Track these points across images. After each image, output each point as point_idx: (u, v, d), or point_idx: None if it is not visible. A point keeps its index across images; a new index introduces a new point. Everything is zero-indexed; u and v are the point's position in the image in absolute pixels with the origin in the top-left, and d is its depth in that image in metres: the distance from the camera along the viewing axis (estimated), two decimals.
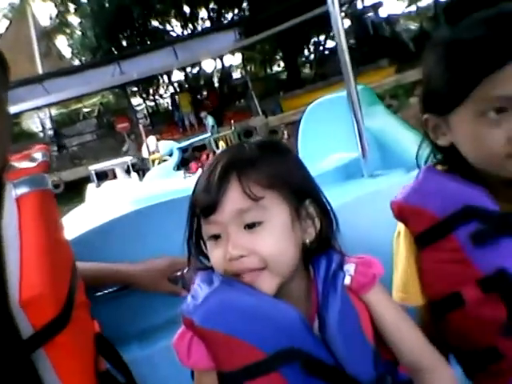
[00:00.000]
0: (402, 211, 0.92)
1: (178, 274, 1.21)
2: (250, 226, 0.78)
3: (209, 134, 12.52)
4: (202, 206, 0.80)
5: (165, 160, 10.40)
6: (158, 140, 11.72)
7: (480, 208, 0.85)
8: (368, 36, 20.49)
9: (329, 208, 0.86)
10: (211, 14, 20.93)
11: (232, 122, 13.24)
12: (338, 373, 0.79)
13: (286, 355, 0.77)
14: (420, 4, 21.23)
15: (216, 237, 0.80)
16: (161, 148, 10.63)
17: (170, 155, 10.39)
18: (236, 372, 0.78)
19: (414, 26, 21.97)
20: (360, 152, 1.60)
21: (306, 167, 0.89)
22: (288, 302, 0.80)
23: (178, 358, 0.81)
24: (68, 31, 22.39)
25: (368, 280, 0.83)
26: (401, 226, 0.95)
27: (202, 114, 15.31)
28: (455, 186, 0.88)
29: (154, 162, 10.84)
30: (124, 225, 1.27)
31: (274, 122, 15.05)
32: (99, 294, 1.16)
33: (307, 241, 0.83)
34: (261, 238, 0.78)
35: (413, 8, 21.82)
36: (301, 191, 0.83)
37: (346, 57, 1.57)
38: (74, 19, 21.90)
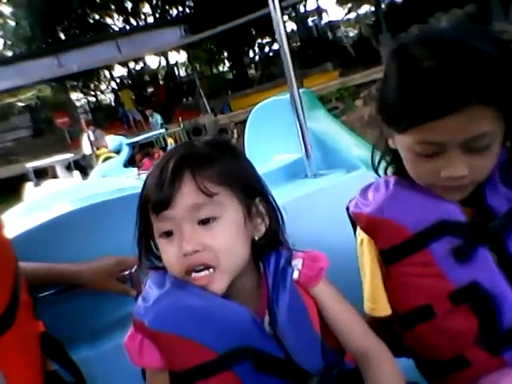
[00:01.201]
0: (370, 224, 0.92)
1: (126, 273, 1.19)
2: (205, 222, 0.78)
3: (160, 130, 11.97)
4: (155, 202, 0.79)
5: (110, 157, 9.72)
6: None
7: (454, 222, 0.86)
8: (312, 39, 20.93)
9: (276, 206, 0.88)
10: (155, 9, 20.29)
11: (180, 119, 12.77)
12: (289, 366, 0.82)
13: (238, 354, 0.79)
14: (360, 11, 22.01)
15: (168, 234, 0.80)
16: (108, 143, 9.98)
17: (118, 152, 9.77)
18: (188, 372, 0.79)
19: (353, 32, 22.80)
20: (303, 152, 1.64)
21: (254, 166, 0.90)
22: (239, 298, 0.83)
23: (130, 359, 0.82)
24: (0, 21, 20.92)
25: (314, 273, 0.86)
26: (364, 236, 0.94)
27: (148, 112, 14.73)
28: (429, 200, 0.88)
29: (98, 157, 10.12)
30: (70, 222, 1.24)
31: (223, 120, 14.71)
32: (44, 294, 1.12)
33: (256, 237, 0.85)
34: (215, 233, 0.78)
35: (352, 15, 22.64)
36: (251, 189, 0.85)
37: (288, 60, 1.59)
38: (5, 9, 20.53)
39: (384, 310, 0.94)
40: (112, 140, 10.01)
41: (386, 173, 0.98)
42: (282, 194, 0.99)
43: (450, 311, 0.87)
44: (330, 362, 0.86)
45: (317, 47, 19.54)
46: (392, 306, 0.94)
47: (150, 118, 14.20)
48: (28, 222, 1.27)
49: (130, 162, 9.60)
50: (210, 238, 0.78)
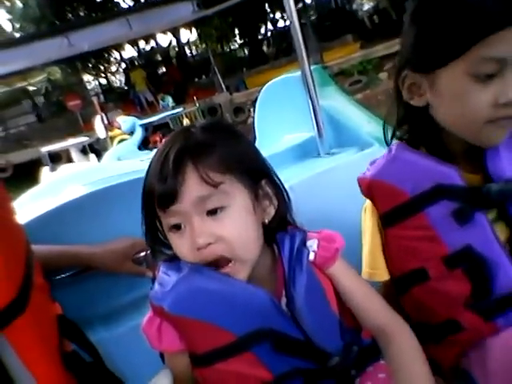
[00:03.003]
0: (370, 188, 0.95)
1: (142, 254, 1.20)
2: (213, 212, 0.78)
3: (175, 110, 11.88)
4: (160, 196, 0.79)
5: (124, 139, 9.70)
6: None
7: (451, 186, 0.88)
8: (330, 11, 20.49)
9: (282, 186, 0.89)
10: None
11: (195, 98, 12.71)
12: (307, 347, 0.83)
13: (257, 336, 0.81)
14: None
15: (177, 227, 0.80)
16: (121, 124, 9.86)
17: (131, 134, 9.73)
18: (208, 354, 0.81)
19: (368, 4, 22.33)
20: (316, 131, 1.66)
21: (256, 147, 0.91)
22: (255, 281, 0.84)
23: (149, 343, 0.84)
24: (7, 3, 20.89)
25: (331, 254, 0.88)
26: (367, 203, 0.98)
27: (159, 96, 14.67)
28: (427, 164, 0.90)
29: (112, 140, 10.09)
30: (83, 206, 1.26)
31: (239, 98, 14.60)
32: (59, 277, 1.15)
33: (266, 220, 0.86)
34: (225, 223, 0.79)
35: None
36: (256, 171, 0.85)
37: (298, 35, 1.58)
38: None
39: (382, 275, 0.98)
40: (124, 121, 9.86)
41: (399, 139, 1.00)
42: (295, 174, 1.01)
43: (444, 274, 0.91)
44: (348, 342, 0.88)
45: (335, 19, 19.18)
46: (389, 270, 0.98)
47: (161, 102, 14.13)
48: (42, 205, 1.29)
49: (145, 144, 9.60)
50: (221, 228, 0.78)
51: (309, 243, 0.88)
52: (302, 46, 1.60)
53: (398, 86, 0.93)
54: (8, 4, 20.88)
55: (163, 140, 0.93)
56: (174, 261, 0.85)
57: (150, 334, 0.83)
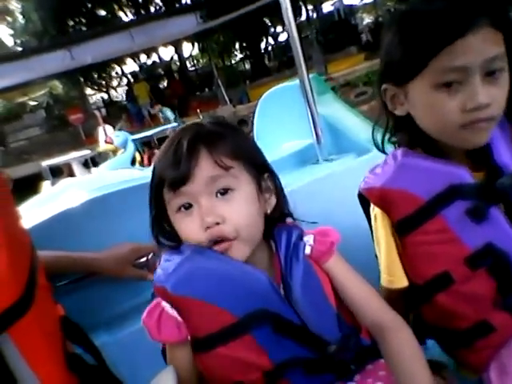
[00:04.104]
0: (382, 197, 0.95)
1: (143, 259, 1.24)
2: (222, 193, 0.84)
3: (168, 125, 11.74)
4: (172, 179, 0.83)
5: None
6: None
7: (464, 185, 0.90)
8: (333, 23, 20.70)
9: (280, 183, 0.95)
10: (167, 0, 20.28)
11: (198, 111, 12.75)
12: (305, 332, 0.86)
13: (257, 317, 0.84)
14: None
15: (186, 207, 0.85)
16: (114, 139, 9.79)
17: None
18: (209, 337, 0.84)
19: (369, 18, 22.57)
20: (314, 138, 1.71)
21: (258, 145, 0.97)
22: None
23: (149, 334, 0.86)
24: (9, 19, 21.20)
25: (326, 248, 0.92)
26: (378, 211, 0.98)
27: (157, 108, 14.29)
28: (437, 166, 0.92)
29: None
30: (84, 212, 1.28)
31: (242, 111, 14.62)
32: (62, 283, 1.18)
33: (268, 211, 0.91)
34: (232, 205, 0.84)
35: (368, 0, 22.35)
36: (260, 165, 0.92)
37: (297, 46, 1.66)
38: (14, 6, 20.80)
39: (401, 281, 0.98)
40: (117, 136, 9.80)
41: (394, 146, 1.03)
42: (294, 179, 1.05)
43: (468, 276, 0.91)
44: (346, 333, 0.90)
45: (338, 31, 19.36)
46: (409, 279, 0.98)
47: (160, 114, 13.87)
48: (43, 212, 1.31)
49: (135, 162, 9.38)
50: (229, 209, 0.83)
51: (305, 238, 0.92)
52: (301, 55, 1.65)
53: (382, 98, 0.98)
54: (10, 19, 21.20)
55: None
56: (176, 249, 0.89)
57: (149, 325, 0.85)
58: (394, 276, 0.99)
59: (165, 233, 0.91)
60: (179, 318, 0.85)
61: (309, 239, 0.92)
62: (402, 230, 0.95)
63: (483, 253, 0.90)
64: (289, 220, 0.97)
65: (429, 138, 0.94)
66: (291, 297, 0.86)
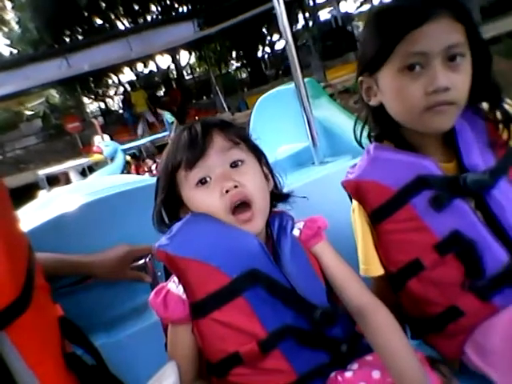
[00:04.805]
0: (357, 189, 1.03)
1: (141, 262, 1.26)
2: (234, 165, 0.95)
3: (167, 132, 11.60)
4: (190, 156, 0.93)
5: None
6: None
7: (430, 176, 0.96)
8: (330, 30, 20.79)
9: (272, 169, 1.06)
10: (164, 6, 20.38)
11: (197, 118, 12.69)
12: (296, 296, 0.91)
13: (249, 277, 0.90)
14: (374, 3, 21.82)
15: (203, 182, 0.94)
16: (103, 148, 9.69)
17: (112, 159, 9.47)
18: (206, 299, 0.89)
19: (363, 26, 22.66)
20: (310, 141, 1.75)
21: None
22: None
23: (156, 313, 0.93)
24: (5, 29, 21.28)
25: (314, 232, 0.99)
26: (355, 204, 1.06)
27: (160, 113, 14.49)
28: (405, 158, 0.99)
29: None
30: (80, 216, 1.31)
31: (241, 118, 14.65)
32: (60, 286, 1.18)
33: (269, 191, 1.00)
34: (245, 174, 0.94)
35: (364, 8, 22.48)
36: (258, 151, 1.02)
37: (292, 50, 1.70)
38: (10, 15, 20.93)
39: (377, 270, 1.05)
40: (107, 145, 9.73)
41: (370, 141, 1.11)
42: (290, 181, 1.08)
43: (438, 262, 0.97)
44: (334, 303, 0.96)
45: (336, 38, 19.45)
46: (385, 267, 1.04)
47: (164, 117, 14.03)
48: (40, 216, 1.33)
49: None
50: (243, 177, 0.93)
51: (296, 224, 1.01)
52: (296, 60, 1.70)
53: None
54: (6, 30, 21.28)
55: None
56: None
57: (156, 303, 0.92)
58: (370, 265, 1.05)
59: (169, 215, 1.00)
60: (183, 296, 0.92)
61: (299, 224, 1.00)
62: (375, 219, 1.03)
63: (450, 240, 0.96)
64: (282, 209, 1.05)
65: (398, 129, 1.02)
66: (281, 264, 0.93)
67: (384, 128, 1.06)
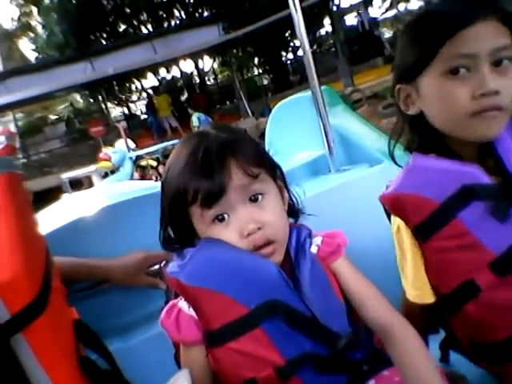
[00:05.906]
0: (395, 203, 0.95)
1: (156, 267, 1.26)
2: (254, 200, 0.89)
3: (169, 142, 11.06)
4: (208, 192, 0.85)
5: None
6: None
7: (479, 185, 0.87)
8: (359, 35, 20.73)
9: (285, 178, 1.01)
10: (188, 11, 20.56)
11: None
12: (315, 324, 0.87)
13: (268, 308, 0.86)
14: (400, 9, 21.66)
15: (220, 219, 0.88)
16: (111, 156, 9.64)
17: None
18: (221, 330, 0.86)
19: (388, 33, 22.63)
20: (326, 149, 1.75)
21: None
22: None
23: (168, 335, 0.90)
24: (32, 35, 21.79)
25: (333, 249, 0.95)
26: (399, 221, 0.96)
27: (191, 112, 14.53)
28: (448, 166, 0.91)
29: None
30: (97, 220, 1.32)
31: (265, 123, 14.64)
32: (76, 289, 1.20)
33: (285, 207, 0.97)
34: (266, 209, 0.89)
35: (389, 14, 22.33)
36: (273, 166, 0.96)
37: (309, 58, 1.72)
38: (36, 22, 21.47)
39: (429, 296, 0.96)
40: (115, 152, 9.69)
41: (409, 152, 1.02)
42: (306, 189, 1.06)
43: (495, 283, 0.87)
44: (356, 329, 0.92)
45: (363, 43, 19.38)
46: (434, 288, 0.95)
47: (193, 119, 13.61)
48: (58, 220, 1.35)
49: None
50: (264, 214, 0.88)
51: (314, 239, 0.96)
52: (312, 67, 1.70)
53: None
54: (32, 35, 21.79)
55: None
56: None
57: (168, 325, 0.89)
58: (421, 290, 0.96)
59: (179, 239, 0.94)
60: (196, 317, 0.88)
61: (317, 240, 0.96)
62: (419, 236, 0.94)
63: (509, 256, 0.86)
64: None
65: (440, 138, 0.95)
66: (300, 290, 0.89)
67: (423, 138, 0.98)
